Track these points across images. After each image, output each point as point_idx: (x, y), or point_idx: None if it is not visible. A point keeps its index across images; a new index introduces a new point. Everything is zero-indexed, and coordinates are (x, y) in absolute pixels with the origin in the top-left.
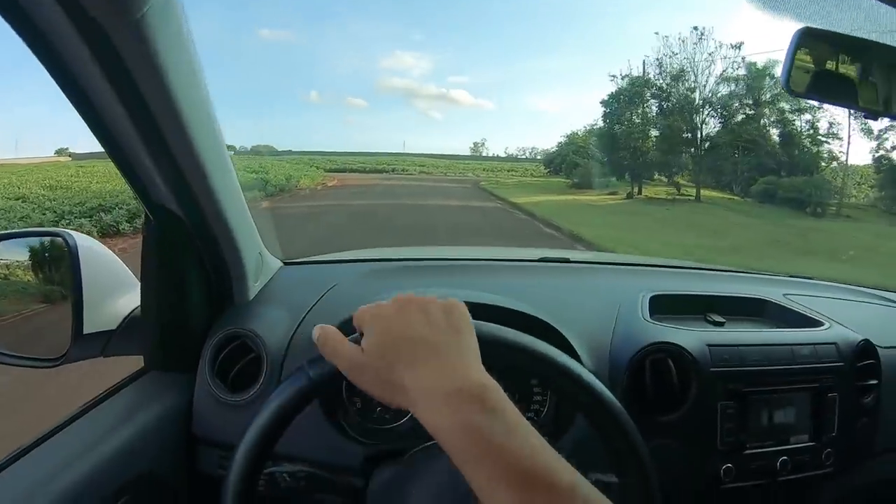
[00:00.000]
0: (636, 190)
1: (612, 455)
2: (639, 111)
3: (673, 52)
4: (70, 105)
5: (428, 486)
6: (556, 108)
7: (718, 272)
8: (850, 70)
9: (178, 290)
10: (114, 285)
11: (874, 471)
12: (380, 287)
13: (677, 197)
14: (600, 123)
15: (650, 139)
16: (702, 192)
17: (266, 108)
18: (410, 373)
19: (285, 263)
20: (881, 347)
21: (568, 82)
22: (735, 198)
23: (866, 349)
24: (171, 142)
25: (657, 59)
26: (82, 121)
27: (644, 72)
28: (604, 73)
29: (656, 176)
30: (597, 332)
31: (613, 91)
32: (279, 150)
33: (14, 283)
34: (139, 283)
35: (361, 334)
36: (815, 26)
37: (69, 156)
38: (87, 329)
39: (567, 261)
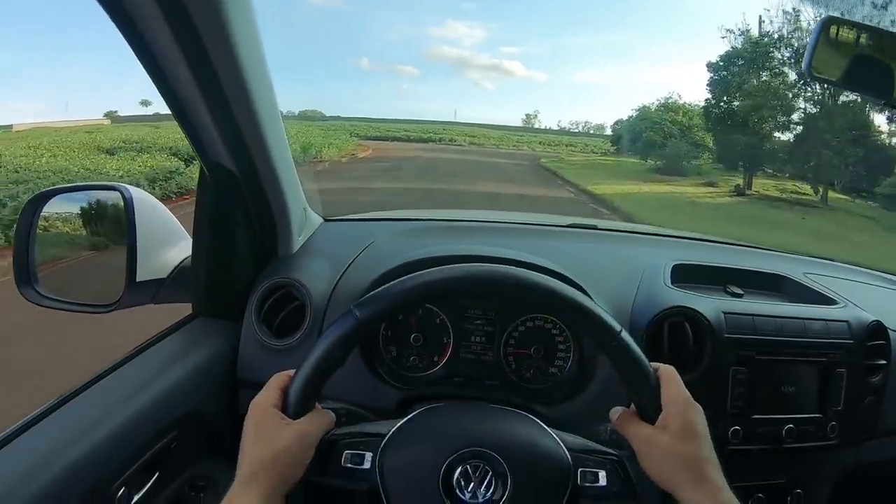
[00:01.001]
0: (745, 183)
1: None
2: (768, 80)
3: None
4: (128, 67)
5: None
6: (606, 81)
7: (742, 247)
8: (879, 58)
9: (228, 242)
10: (166, 237)
11: (876, 451)
12: (414, 244)
13: (801, 198)
14: (679, 99)
15: (781, 119)
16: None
17: (317, 74)
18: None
19: (325, 220)
20: (893, 330)
21: (617, 57)
22: (868, 203)
23: (878, 330)
24: (231, 99)
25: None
26: (146, 82)
27: (761, 30)
28: (651, 49)
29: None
30: (620, 293)
31: (726, 52)
32: (327, 115)
33: (73, 234)
34: (189, 237)
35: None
36: (838, 15)
37: (111, 119)
38: (140, 277)
39: (595, 227)
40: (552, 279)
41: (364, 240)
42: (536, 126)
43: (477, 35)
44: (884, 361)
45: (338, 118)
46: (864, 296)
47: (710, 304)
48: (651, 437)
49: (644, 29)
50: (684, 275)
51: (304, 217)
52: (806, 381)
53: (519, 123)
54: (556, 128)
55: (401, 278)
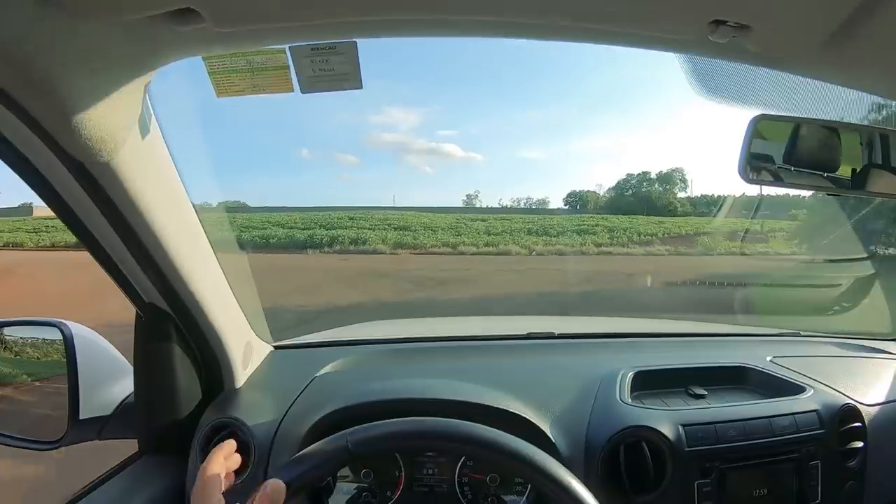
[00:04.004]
0: None
1: None
2: None
3: None
4: None
5: None
6: (544, 156)
7: (704, 337)
8: (813, 152)
9: (169, 378)
10: (109, 372)
11: None
12: (366, 373)
13: None
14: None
15: None
16: None
17: (257, 165)
18: None
19: (275, 347)
20: (867, 405)
21: (553, 132)
22: None
23: (850, 413)
24: (150, 246)
25: None
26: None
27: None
28: (583, 121)
29: None
30: (574, 415)
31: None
32: (252, 205)
33: (12, 370)
34: (133, 370)
35: None
36: (770, 112)
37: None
38: (83, 414)
39: (552, 335)
40: (502, 436)
41: (313, 370)
42: (478, 206)
43: (413, 120)
44: (860, 444)
45: (267, 208)
46: (833, 372)
47: (667, 418)
48: None
49: (581, 102)
50: (644, 382)
51: (250, 349)
52: (779, 481)
53: (461, 204)
54: (497, 206)
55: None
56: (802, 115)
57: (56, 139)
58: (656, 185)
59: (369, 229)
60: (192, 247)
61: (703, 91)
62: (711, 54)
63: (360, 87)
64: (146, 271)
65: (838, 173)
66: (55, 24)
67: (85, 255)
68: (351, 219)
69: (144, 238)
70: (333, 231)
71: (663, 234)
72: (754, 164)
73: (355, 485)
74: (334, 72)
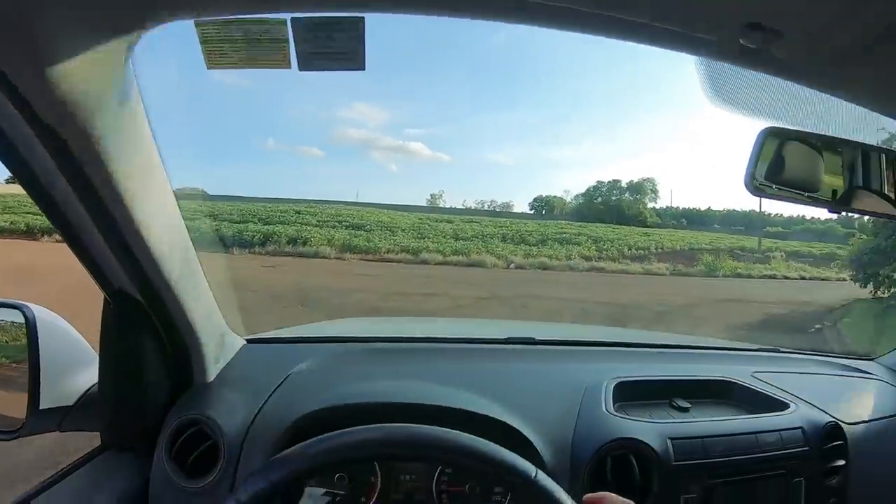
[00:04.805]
0: None
1: None
2: None
3: None
4: None
5: None
6: (511, 161)
7: (687, 350)
8: (817, 167)
9: (137, 370)
10: (73, 360)
11: None
12: (342, 373)
13: None
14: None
15: None
16: None
17: (223, 154)
18: None
19: (249, 342)
20: (848, 424)
21: (522, 137)
22: None
23: (833, 432)
24: (125, 232)
25: None
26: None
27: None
28: (552, 127)
29: None
30: (559, 425)
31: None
32: (210, 194)
33: None
34: (98, 358)
35: None
36: (779, 125)
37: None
38: (43, 404)
39: (533, 340)
40: (462, 436)
41: (287, 365)
42: (442, 206)
43: (382, 117)
44: (842, 462)
45: (230, 197)
46: (816, 390)
47: (655, 431)
48: None
49: (551, 108)
50: (628, 392)
51: (222, 342)
52: (764, 497)
53: (424, 203)
54: (461, 207)
55: (312, 440)
56: (812, 131)
57: (26, 97)
58: (626, 195)
59: (315, 226)
60: (168, 230)
61: (716, 98)
62: (735, 60)
63: (362, 68)
64: (116, 254)
65: (840, 195)
66: None
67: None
68: (297, 213)
69: (117, 216)
70: (270, 227)
71: (656, 249)
72: (764, 178)
73: (326, 490)
74: (337, 49)
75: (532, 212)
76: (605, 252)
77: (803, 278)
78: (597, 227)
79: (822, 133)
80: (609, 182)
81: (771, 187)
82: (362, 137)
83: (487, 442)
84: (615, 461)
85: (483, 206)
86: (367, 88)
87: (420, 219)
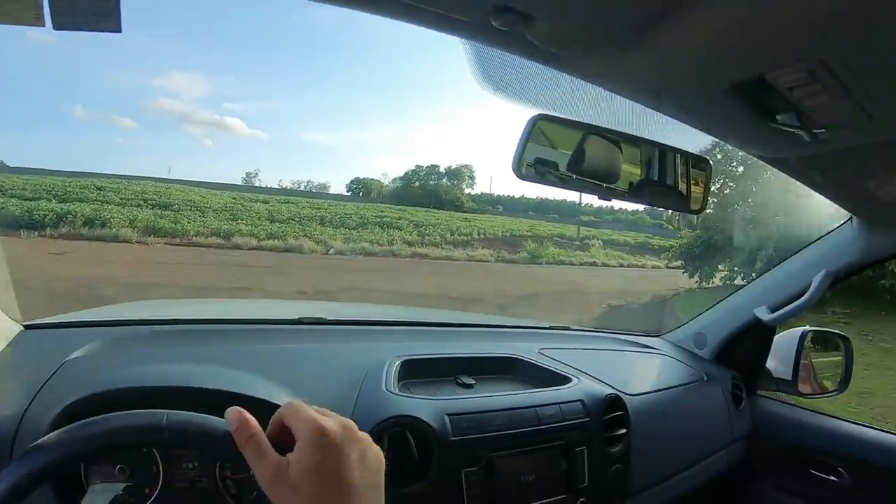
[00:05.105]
0: None
1: None
2: None
3: None
4: None
5: None
6: (332, 141)
7: (478, 328)
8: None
9: None
10: None
11: None
12: (121, 358)
13: None
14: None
15: None
16: None
17: (26, 120)
18: None
19: (27, 327)
20: (630, 395)
21: (346, 117)
22: None
23: (613, 402)
24: None
25: None
26: None
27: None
28: (371, 109)
29: None
30: (337, 404)
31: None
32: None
33: None
34: None
35: (285, 443)
36: (550, 113)
37: None
38: None
39: (324, 320)
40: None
41: (66, 351)
42: (257, 185)
43: (200, 88)
44: (623, 430)
45: (28, 170)
46: (599, 365)
47: (433, 408)
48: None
49: (371, 90)
50: (413, 370)
51: None
52: (547, 467)
53: (239, 182)
54: (277, 187)
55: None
56: (585, 121)
57: None
58: (444, 180)
59: (118, 204)
60: None
61: (485, 83)
62: (493, 43)
63: (118, 30)
64: None
65: (617, 185)
66: None
67: None
68: (99, 189)
69: None
70: (66, 205)
71: (479, 235)
72: (531, 163)
73: (111, 484)
74: (90, 8)
75: (349, 193)
76: (427, 237)
77: (622, 265)
78: (417, 211)
79: (596, 125)
80: (428, 167)
81: (540, 174)
82: (177, 109)
83: (121, 415)
84: (393, 438)
85: (300, 187)
86: (185, 56)
87: (234, 198)
